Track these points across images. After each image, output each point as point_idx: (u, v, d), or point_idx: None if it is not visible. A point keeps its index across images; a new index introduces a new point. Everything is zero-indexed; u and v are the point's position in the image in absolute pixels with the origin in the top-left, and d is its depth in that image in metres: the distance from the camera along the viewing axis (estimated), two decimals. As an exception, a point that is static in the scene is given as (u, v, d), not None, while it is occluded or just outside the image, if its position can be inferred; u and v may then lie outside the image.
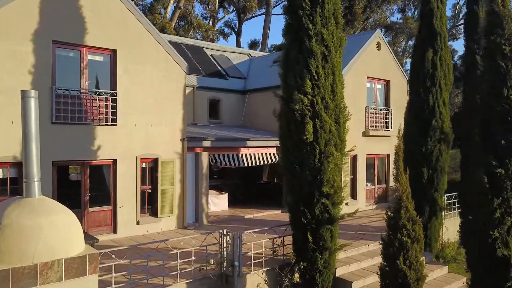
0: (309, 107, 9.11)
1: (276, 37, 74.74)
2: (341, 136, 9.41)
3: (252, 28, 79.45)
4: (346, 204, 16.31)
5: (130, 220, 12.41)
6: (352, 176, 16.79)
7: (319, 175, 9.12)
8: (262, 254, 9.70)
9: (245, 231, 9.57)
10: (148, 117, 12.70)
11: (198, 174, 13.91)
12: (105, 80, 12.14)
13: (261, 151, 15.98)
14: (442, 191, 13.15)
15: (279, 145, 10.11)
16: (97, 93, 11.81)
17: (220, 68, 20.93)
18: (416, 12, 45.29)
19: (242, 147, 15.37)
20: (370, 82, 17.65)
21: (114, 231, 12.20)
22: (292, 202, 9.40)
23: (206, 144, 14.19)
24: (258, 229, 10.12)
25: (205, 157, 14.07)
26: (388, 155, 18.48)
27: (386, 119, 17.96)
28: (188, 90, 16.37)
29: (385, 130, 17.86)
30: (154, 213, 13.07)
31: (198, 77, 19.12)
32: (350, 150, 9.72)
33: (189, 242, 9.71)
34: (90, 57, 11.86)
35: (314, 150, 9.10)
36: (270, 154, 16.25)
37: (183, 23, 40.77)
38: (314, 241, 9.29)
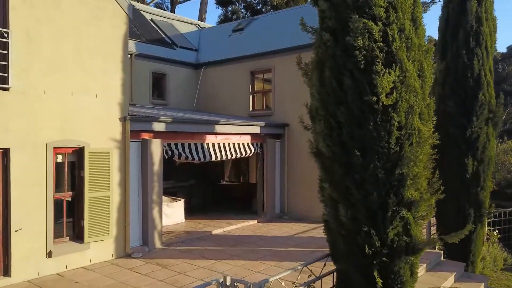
0: (380, 44, 5.00)
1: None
2: (426, 99, 5.42)
3: (186, 13, 72.67)
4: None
5: (35, 252, 7.37)
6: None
7: (398, 168, 5.05)
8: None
9: (270, 278, 5.19)
10: (66, 80, 7.75)
11: (147, 173, 9.16)
12: (-13, 10, 6.99)
13: (233, 139, 11.58)
14: (488, 189, 9.80)
15: (312, 118, 5.86)
16: (-29, 30, 6.66)
17: (164, 36, 16.09)
18: None
19: (208, 133, 10.86)
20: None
21: (6, 272, 7.10)
22: (347, 218, 5.20)
23: (159, 127, 9.48)
24: (288, 270, 5.77)
25: (157, 147, 9.36)
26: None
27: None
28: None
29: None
30: (78, 236, 8.12)
31: (137, 43, 14.17)
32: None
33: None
34: (-45, -35, 6.66)
35: (390, 122, 5.01)
36: (244, 144, 11.91)
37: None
38: (386, 285, 5.20)
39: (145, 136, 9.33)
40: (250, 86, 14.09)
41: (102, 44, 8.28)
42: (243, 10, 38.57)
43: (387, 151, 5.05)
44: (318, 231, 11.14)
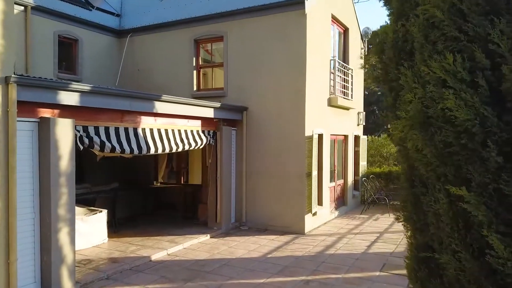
0: None
1: None
2: None
3: None
4: (314, 214, 9.93)
5: None
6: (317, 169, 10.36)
7: None
8: None
9: None
10: None
11: (49, 173, 5.61)
12: None
13: (179, 124, 8.31)
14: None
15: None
16: None
17: (74, -8, 12.15)
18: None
19: (145, 114, 7.49)
20: (332, 25, 11.56)
21: None
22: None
23: (70, 99, 5.94)
24: None
25: (65, 131, 5.84)
26: (346, 137, 12.72)
27: (345, 82, 12.07)
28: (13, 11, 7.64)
29: (343, 98, 11.89)
30: None
31: (34, -7, 10.19)
32: None
33: None
34: None
35: None
36: (193, 132, 8.70)
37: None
38: None
39: (46, 113, 5.76)
40: (194, 58, 10.86)
41: None
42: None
43: None
44: (296, 246, 8.38)
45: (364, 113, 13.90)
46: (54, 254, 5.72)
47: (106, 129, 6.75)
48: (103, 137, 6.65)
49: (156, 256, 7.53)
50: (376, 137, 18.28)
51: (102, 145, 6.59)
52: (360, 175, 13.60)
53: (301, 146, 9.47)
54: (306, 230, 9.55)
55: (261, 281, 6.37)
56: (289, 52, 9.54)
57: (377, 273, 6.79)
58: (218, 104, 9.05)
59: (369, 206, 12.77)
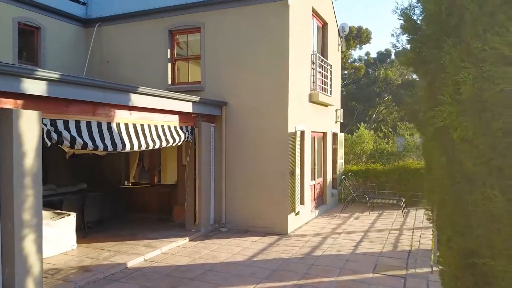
0: None
1: None
2: None
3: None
4: (297, 214, 9.56)
5: None
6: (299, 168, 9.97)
7: None
8: None
9: None
10: None
11: (11, 173, 4.90)
12: None
13: (155, 119, 7.69)
14: None
15: None
16: None
17: (35, -23, 11.20)
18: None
19: (119, 107, 6.82)
20: (313, 19, 11.21)
21: None
22: None
23: (35, 88, 5.23)
24: None
25: (30, 125, 5.13)
26: (325, 134, 12.42)
27: (324, 78, 11.75)
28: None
29: (323, 94, 11.57)
30: None
31: (-10, -26, 9.25)
32: None
33: None
34: None
35: None
36: (171, 127, 8.09)
37: None
38: None
39: (8, 103, 5.04)
40: (169, 50, 10.22)
41: None
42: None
43: None
44: (281, 248, 7.95)
45: (342, 110, 13.68)
46: (18, 265, 5.02)
47: (77, 123, 6.06)
48: (74, 132, 5.96)
49: (133, 262, 6.89)
50: (349, 135, 18.18)
51: (73, 141, 5.90)
52: (338, 173, 13.37)
53: (284, 143, 9.06)
54: (289, 230, 9.16)
55: (251, 287, 5.89)
56: (271, 45, 9.11)
57: (370, 275, 6.47)
58: (197, 98, 8.48)
59: (348, 204, 12.55)
